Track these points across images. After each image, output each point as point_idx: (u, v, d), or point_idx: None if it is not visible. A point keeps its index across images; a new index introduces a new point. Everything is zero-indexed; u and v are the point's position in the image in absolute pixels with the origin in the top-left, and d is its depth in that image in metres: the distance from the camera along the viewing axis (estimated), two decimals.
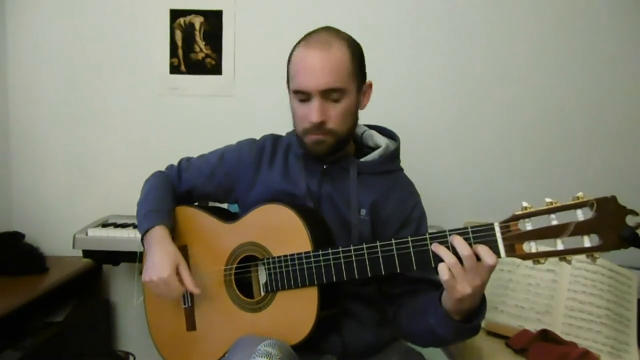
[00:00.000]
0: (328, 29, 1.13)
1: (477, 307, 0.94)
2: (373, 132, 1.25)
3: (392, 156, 1.21)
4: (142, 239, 1.20)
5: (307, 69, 1.07)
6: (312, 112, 1.08)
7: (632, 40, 2.03)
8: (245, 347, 0.99)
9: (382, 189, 1.17)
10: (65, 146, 2.10)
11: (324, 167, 1.18)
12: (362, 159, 1.18)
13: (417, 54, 2.03)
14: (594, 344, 1.36)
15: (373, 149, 1.22)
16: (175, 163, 1.36)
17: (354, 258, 1.00)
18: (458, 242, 0.89)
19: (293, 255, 1.06)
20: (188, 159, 1.35)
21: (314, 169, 1.19)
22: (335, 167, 1.18)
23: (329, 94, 1.08)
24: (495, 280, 1.53)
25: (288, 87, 1.16)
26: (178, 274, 1.12)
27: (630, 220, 0.80)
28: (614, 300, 1.41)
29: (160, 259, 1.12)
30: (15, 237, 1.93)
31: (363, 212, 1.15)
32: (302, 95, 1.09)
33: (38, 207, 2.10)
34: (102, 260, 1.89)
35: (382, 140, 1.23)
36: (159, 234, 1.16)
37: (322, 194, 1.17)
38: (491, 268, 0.88)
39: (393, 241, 0.97)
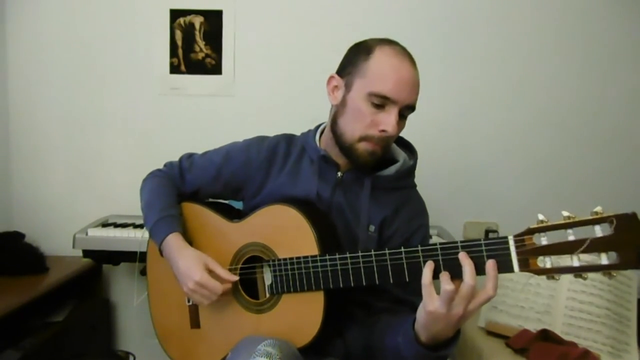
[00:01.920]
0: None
1: (448, 337, 0.91)
2: (393, 144, 1.20)
3: (408, 172, 1.18)
4: (160, 252, 1.19)
5: (402, 79, 1.04)
6: (391, 123, 1.04)
7: (632, 40, 2.03)
8: (246, 347, 0.98)
9: (393, 205, 1.14)
10: (65, 146, 2.10)
11: (339, 175, 1.15)
12: (378, 173, 1.14)
13: (416, 54, 2.01)
14: (594, 343, 1.36)
15: (389, 161, 1.18)
16: (175, 160, 1.33)
17: (361, 264, 0.97)
18: (468, 270, 0.85)
19: (300, 258, 1.04)
20: (189, 156, 1.31)
21: (328, 177, 1.16)
22: (350, 178, 1.15)
23: (405, 110, 1.06)
24: None
25: (347, 77, 1.09)
26: (210, 271, 1.10)
27: None
28: (614, 300, 1.41)
29: (186, 265, 1.11)
30: (15, 237, 1.93)
31: (372, 228, 1.12)
32: (380, 100, 1.04)
33: (38, 207, 2.10)
34: (102, 260, 1.89)
35: (399, 155, 1.19)
36: (174, 243, 1.15)
37: (333, 203, 1.14)
38: (486, 300, 0.86)
39: (402, 249, 0.94)
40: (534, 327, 1.41)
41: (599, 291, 1.42)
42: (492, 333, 1.48)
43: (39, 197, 2.11)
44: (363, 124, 1.06)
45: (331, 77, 1.14)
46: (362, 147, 1.08)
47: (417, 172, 1.21)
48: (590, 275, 1.41)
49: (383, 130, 1.05)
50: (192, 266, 1.10)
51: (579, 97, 2.06)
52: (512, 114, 2.07)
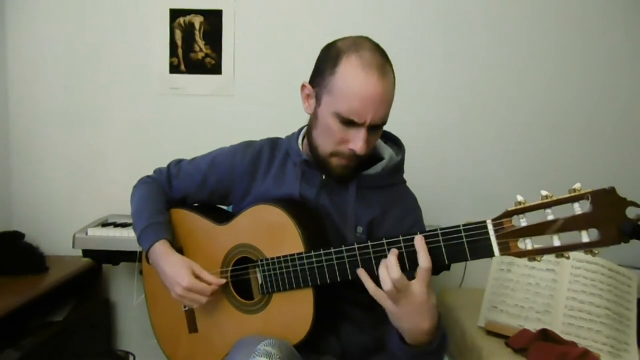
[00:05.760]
0: (374, 43, 1.04)
1: (428, 329, 0.91)
2: (378, 140, 1.17)
3: (396, 169, 1.16)
4: (147, 259, 1.20)
5: (368, 98, 0.98)
6: (359, 143, 1.01)
7: (631, 40, 2.03)
8: (246, 347, 0.98)
9: (381, 204, 1.13)
10: (66, 146, 2.10)
11: (323, 177, 1.14)
12: (364, 173, 1.12)
13: (415, 54, 2.03)
14: (594, 343, 1.36)
15: (375, 158, 1.16)
16: (165, 166, 1.33)
17: (346, 259, 0.98)
18: (392, 264, 0.89)
19: (286, 257, 1.04)
20: (178, 163, 1.31)
21: (312, 179, 1.15)
22: (335, 179, 1.13)
23: (377, 126, 1.03)
24: (496, 280, 1.53)
25: (317, 89, 1.07)
26: (197, 277, 1.11)
27: (632, 213, 0.76)
28: (614, 300, 1.41)
29: (173, 272, 1.11)
30: (15, 237, 1.93)
31: (360, 229, 1.11)
32: (347, 120, 1.00)
33: (38, 207, 2.10)
34: (102, 260, 1.89)
35: (386, 152, 1.17)
36: (161, 250, 1.15)
37: (319, 206, 1.13)
38: (425, 273, 0.88)
39: (385, 241, 0.94)
40: (534, 327, 1.41)
41: (599, 291, 1.42)
42: (492, 333, 1.47)
43: (39, 197, 2.11)
44: (333, 141, 1.04)
45: (303, 86, 1.11)
46: (335, 162, 1.07)
47: (416, 171, 1.20)
48: (590, 275, 1.43)
49: (352, 150, 1.03)
50: (179, 272, 1.10)
51: (579, 97, 2.06)
52: (512, 114, 2.07)
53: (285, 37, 2.06)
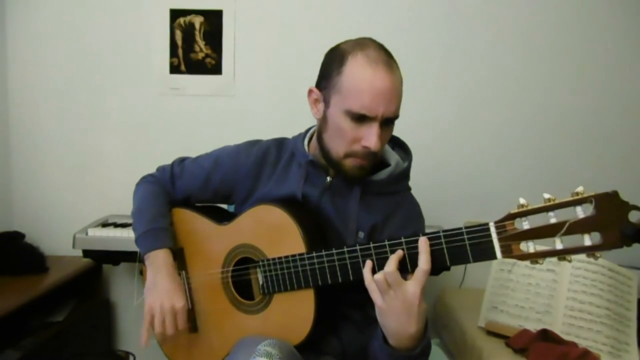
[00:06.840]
0: (377, 43, 1.05)
1: (413, 335, 0.91)
2: (385, 146, 1.16)
3: (401, 176, 1.15)
4: (143, 258, 1.19)
5: (378, 93, 0.98)
6: (372, 138, 0.99)
7: (631, 40, 2.03)
8: (246, 347, 0.98)
9: (384, 211, 1.12)
10: (66, 146, 2.10)
11: (328, 179, 1.13)
12: (369, 178, 1.12)
13: (415, 54, 2.03)
14: (594, 343, 1.36)
15: (381, 163, 1.15)
16: (168, 164, 1.32)
17: (347, 260, 0.98)
18: (390, 259, 0.91)
19: (287, 257, 1.05)
20: (181, 162, 1.30)
21: (317, 181, 1.14)
22: (340, 182, 1.12)
23: (388, 121, 1.03)
24: (496, 280, 1.53)
25: (324, 92, 1.06)
26: None
27: (634, 217, 0.76)
28: (614, 300, 1.41)
29: (174, 287, 1.12)
30: (15, 237, 1.93)
31: (361, 234, 1.10)
32: (358, 117, 1.00)
33: (38, 207, 2.10)
34: (102, 260, 1.89)
35: (392, 158, 1.16)
36: (166, 261, 1.15)
37: (320, 208, 1.13)
38: (423, 275, 0.89)
39: (386, 242, 0.95)
40: (534, 327, 1.41)
41: (599, 291, 1.42)
42: (492, 333, 1.47)
43: (39, 197, 2.11)
44: (346, 141, 1.03)
45: (310, 91, 1.11)
46: (349, 163, 1.06)
47: (416, 171, 1.19)
48: (590, 275, 1.43)
49: (366, 147, 1.02)
50: (179, 292, 1.12)
51: (580, 97, 2.06)
52: (512, 114, 2.07)
53: (286, 37, 2.06)
